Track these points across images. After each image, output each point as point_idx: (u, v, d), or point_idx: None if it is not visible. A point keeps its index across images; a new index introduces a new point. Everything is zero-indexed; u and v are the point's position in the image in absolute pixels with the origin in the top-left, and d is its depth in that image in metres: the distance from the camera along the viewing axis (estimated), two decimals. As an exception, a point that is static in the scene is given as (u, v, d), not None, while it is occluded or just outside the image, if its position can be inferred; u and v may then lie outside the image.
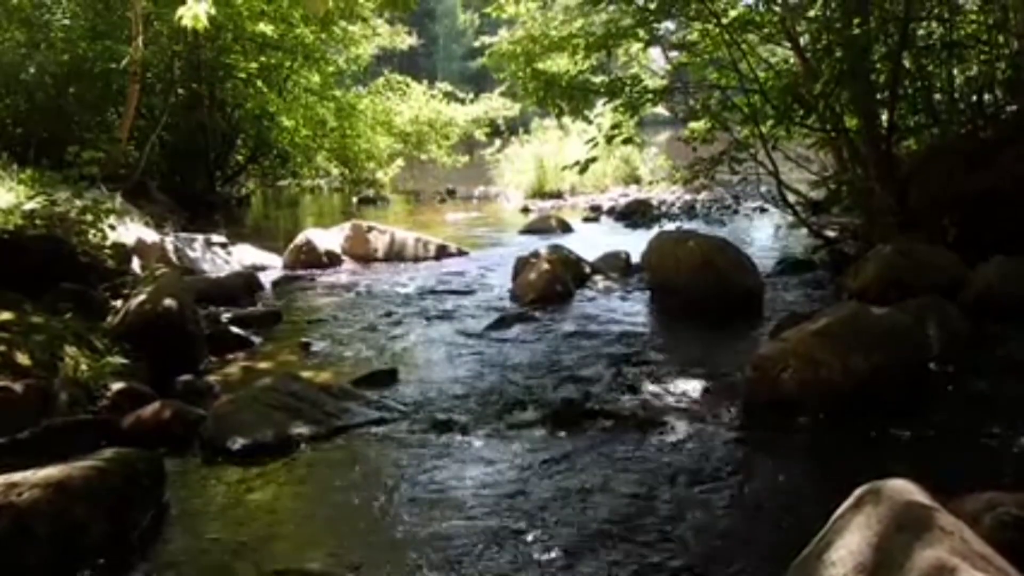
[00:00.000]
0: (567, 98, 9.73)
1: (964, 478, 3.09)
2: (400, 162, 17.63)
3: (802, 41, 9.12)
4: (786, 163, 8.62)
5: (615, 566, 2.78)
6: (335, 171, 17.46)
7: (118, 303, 5.54)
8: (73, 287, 5.65)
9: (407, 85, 17.05)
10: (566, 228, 10.99)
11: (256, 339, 5.79)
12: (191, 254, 8.26)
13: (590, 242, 9.18)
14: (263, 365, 5.27)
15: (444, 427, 4.08)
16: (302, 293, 7.52)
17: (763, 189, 9.06)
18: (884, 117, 7.54)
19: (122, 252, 7.16)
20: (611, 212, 12.91)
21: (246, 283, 7.42)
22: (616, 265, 7.77)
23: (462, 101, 17.59)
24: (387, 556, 2.90)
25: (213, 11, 7.95)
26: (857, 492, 2.07)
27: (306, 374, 4.84)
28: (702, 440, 3.83)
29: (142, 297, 5.10)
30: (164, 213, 10.85)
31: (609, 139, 8.99)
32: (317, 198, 17.98)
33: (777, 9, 8.88)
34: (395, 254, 9.04)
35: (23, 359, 4.13)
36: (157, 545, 3.04)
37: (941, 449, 3.65)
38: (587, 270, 7.48)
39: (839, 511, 2.07)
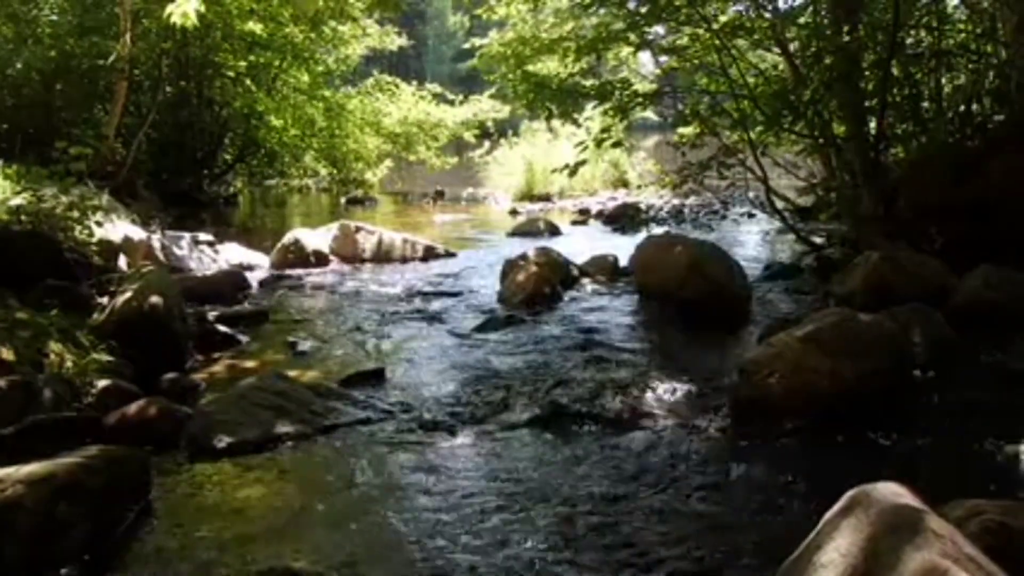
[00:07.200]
0: (557, 101, 9.74)
1: (948, 485, 3.10)
2: (388, 163, 17.60)
3: (792, 47, 9.18)
4: (775, 169, 8.65)
5: (600, 566, 2.78)
6: (323, 171, 17.40)
7: (104, 300, 5.50)
8: (59, 283, 5.61)
9: (396, 86, 17.03)
10: (554, 231, 10.98)
11: (243, 338, 5.76)
12: (178, 252, 8.20)
13: (578, 245, 9.18)
14: (249, 364, 5.24)
15: (431, 427, 4.09)
16: (289, 292, 7.47)
17: (751, 195, 9.08)
18: (872, 125, 7.59)
19: (109, 249, 7.11)
20: (599, 216, 12.90)
21: (233, 282, 7.39)
22: (604, 268, 7.76)
23: (451, 103, 17.59)
24: (372, 555, 2.89)
25: (203, 9, 7.92)
26: (847, 495, 2.06)
27: (293, 373, 4.81)
28: (688, 444, 3.84)
29: (128, 294, 5.06)
30: (151, 211, 10.78)
31: (598, 142, 9.00)
32: (305, 198, 17.91)
33: (767, 15, 8.93)
34: (383, 255, 9.01)
35: (7, 355, 4.10)
36: (141, 543, 3.01)
37: (925, 456, 3.66)
38: (575, 273, 7.47)
39: (829, 514, 2.06)
